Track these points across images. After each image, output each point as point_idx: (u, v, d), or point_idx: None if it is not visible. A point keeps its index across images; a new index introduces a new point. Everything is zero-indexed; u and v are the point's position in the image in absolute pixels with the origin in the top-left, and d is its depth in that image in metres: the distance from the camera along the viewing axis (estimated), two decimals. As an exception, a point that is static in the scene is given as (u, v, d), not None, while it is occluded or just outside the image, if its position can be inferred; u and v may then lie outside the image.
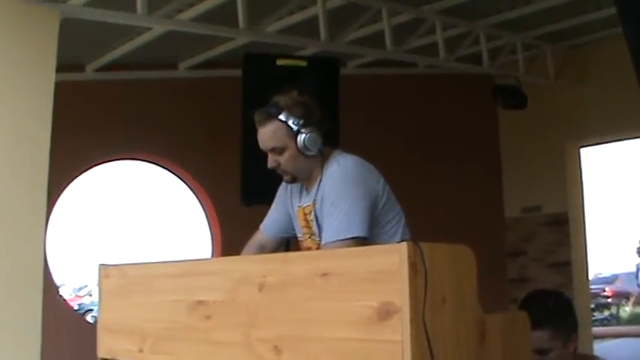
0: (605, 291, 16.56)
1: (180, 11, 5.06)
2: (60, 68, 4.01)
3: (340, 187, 2.55)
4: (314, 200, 2.66)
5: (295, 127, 2.60)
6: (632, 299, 16.76)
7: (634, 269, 19.37)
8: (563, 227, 7.73)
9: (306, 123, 2.61)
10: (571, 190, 7.84)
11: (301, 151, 2.61)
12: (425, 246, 1.51)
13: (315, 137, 2.61)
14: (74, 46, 5.00)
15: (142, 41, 5.48)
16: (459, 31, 6.28)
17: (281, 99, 2.64)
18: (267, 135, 2.64)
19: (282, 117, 2.60)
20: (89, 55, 5.88)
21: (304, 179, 2.72)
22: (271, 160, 2.67)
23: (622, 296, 16.91)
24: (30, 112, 3.89)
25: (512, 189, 8.14)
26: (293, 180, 2.72)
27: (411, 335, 1.46)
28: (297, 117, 2.60)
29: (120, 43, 5.64)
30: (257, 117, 2.66)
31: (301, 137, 2.60)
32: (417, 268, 1.48)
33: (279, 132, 2.61)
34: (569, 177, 7.84)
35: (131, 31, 5.42)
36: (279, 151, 2.64)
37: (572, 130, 7.53)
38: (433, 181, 7.27)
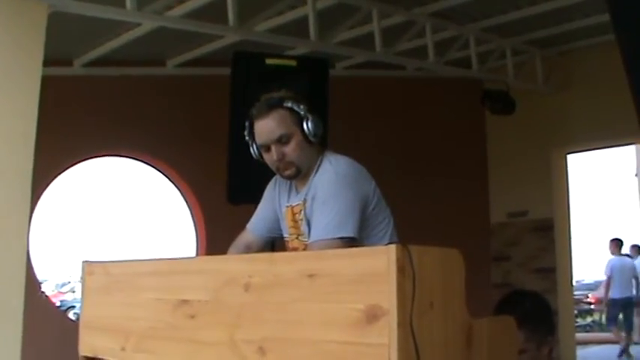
0: (588, 297, 16.59)
1: (170, 8, 5.04)
2: (47, 62, 3.98)
3: (332, 187, 2.52)
4: (304, 199, 2.63)
5: (302, 112, 2.59)
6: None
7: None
8: (548, 233, 7.76)
9: (309, 110, 2.62)
10: (557, 196, 7.88)
11: (307, 137, 2.59)
12: (413, 249, 1.49)
13: (319, 122, 2.61)
14: (62, 40, 4.97)
15: (131, 37, 5.46)
16: (449, 35, 6.29)
17: (273, 94, 2.64)
18: (272, 124, 2.59)
19: (287, 104, 2.60)
20: (77, 49, 5.84)
21: (304, 174, 2.65)
22: (277, 152, 2.60)
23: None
24: (15, 106, 3.84)
25: (498, 194, 8.17)
26: (296, 173, 2.64)
27: (398, 339, 1.44)
28: (300, 103, 2.61)
29: (108, 39, 5.61)
30: (257, 110, 2.62)
31: (307, 122, 2.59)
32: (405, 271, 1.46)
33: (286, 118, 2.59)
34: (555, 183, 7.88)
35: (120, 27, 5.39)
36: (286, 139, 2.59)
37: (558, 136, 7.57)
38: (419, 184, 7.26)
